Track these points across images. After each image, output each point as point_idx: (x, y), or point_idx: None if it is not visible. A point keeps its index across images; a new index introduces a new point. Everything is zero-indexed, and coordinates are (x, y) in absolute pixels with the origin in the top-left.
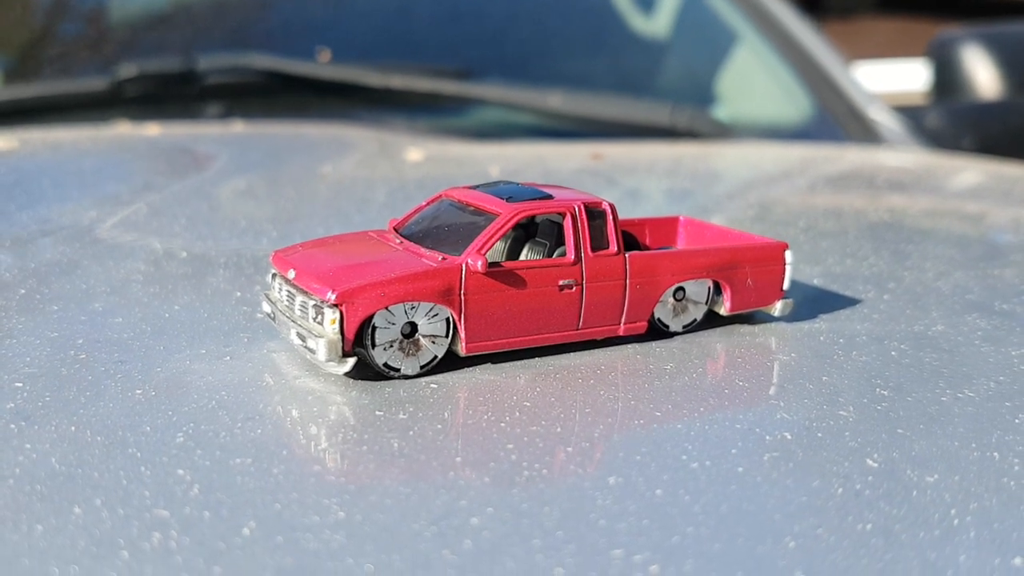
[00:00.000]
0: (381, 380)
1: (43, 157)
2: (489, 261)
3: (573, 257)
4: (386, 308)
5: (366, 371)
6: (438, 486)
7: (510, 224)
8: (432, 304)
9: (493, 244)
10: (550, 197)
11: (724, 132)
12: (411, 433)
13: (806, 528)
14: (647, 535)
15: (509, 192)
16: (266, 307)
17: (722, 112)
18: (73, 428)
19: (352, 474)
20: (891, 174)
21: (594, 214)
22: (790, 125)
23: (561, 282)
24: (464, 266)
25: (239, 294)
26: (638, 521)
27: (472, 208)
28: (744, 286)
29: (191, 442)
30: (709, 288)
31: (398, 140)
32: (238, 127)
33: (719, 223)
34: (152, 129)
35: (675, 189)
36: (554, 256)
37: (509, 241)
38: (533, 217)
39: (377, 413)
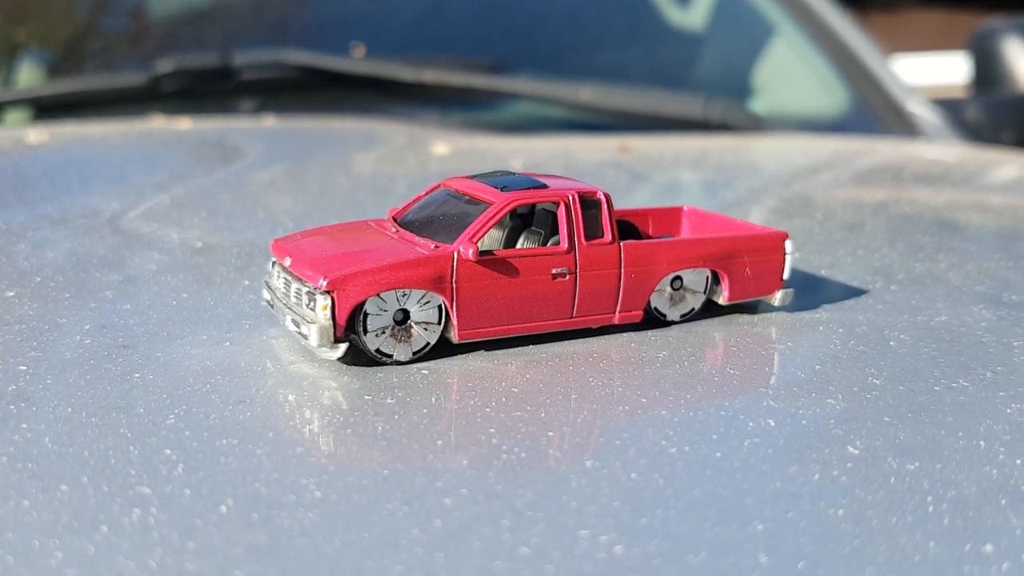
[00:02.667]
0: (374, 366)
1: (72, 150)
2: (482, 249)
3: (567, 245)
4: (378, 295)
5: (361, 357)
6: (416, 468)
7: (503, 212)
8: (424, 291)
9: (485, 232)
10: (545, 187)
11: (758, 125)
12: (396, 417)
13: (776, 512)
14: (616, 517)
15: (504, 182)
16: (266, 294)
17: (759, 105)
18: (70, 409)
19: (333, 456)
20: (921, 167)
21: (589, 203)
22: (827, 118)
23: (554, 270)
24: (456, 254)
25: (247, 283)
26: (609, 503)
27: (468, 197)
28: (743, 275)
29: (181, 423)
30: (707, 277)
31: (427, 134)
32: (269, 121)
33: (737, 214)
34: (183, 123)
35: (698, 181)
36: (549, 245)
37: (506, 230)
38: (533, 206)
39: (366, 397)
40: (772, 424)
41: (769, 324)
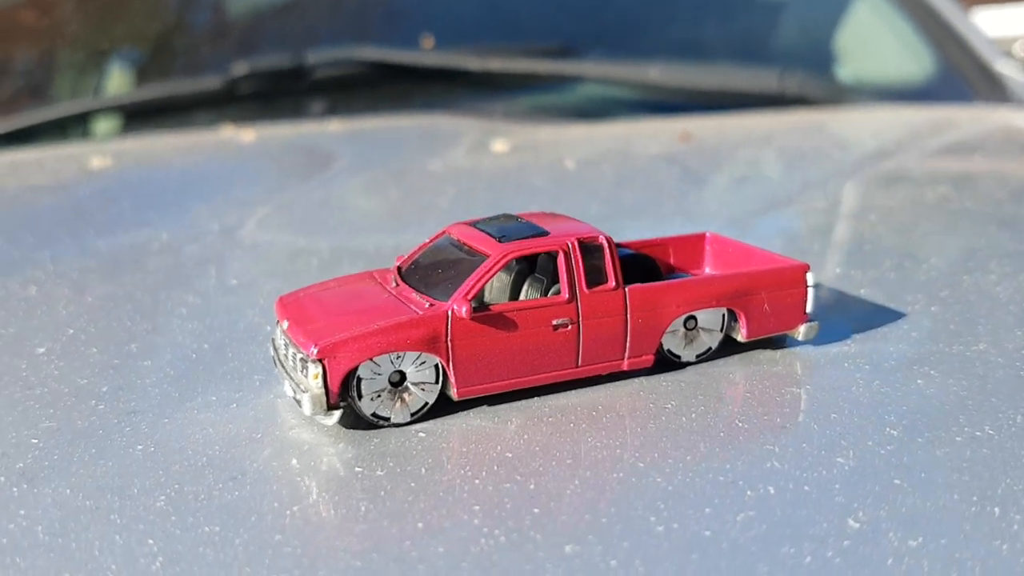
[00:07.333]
0: (374, 429)
1: (131, 176)
2: (479, 303)
3: (567, 295)
4: (371, 359)
5: (362, 419)
6: (389, 559)
7: (499, 266)
8: (419, 352)
9: (479, 288)
10: (545, 234)
11: (838, 96)
12: (383, 494)
13: None
14: None
15: (503, 231)
16: (272, 352)
17: (841, 73)
18: (68, 491)
19: (309, 544)
20: (999, 143)
21: (590, 248)
22: (913, 84)
23: (555, 321)
24: (450, 313)
25: (269, 328)
26: None
27: (467, 248)
28: (761, 312)
29: (170, 507)
30: (723, 315)
31: (488, 127)
32: (334, 126)
33: (784, 219)
34: (247, 135)
35: (749, 178)
36: (551, 292)
37: (513, 274)
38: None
39: (356, 469)
40: (771, 492)
41: (792, 361)
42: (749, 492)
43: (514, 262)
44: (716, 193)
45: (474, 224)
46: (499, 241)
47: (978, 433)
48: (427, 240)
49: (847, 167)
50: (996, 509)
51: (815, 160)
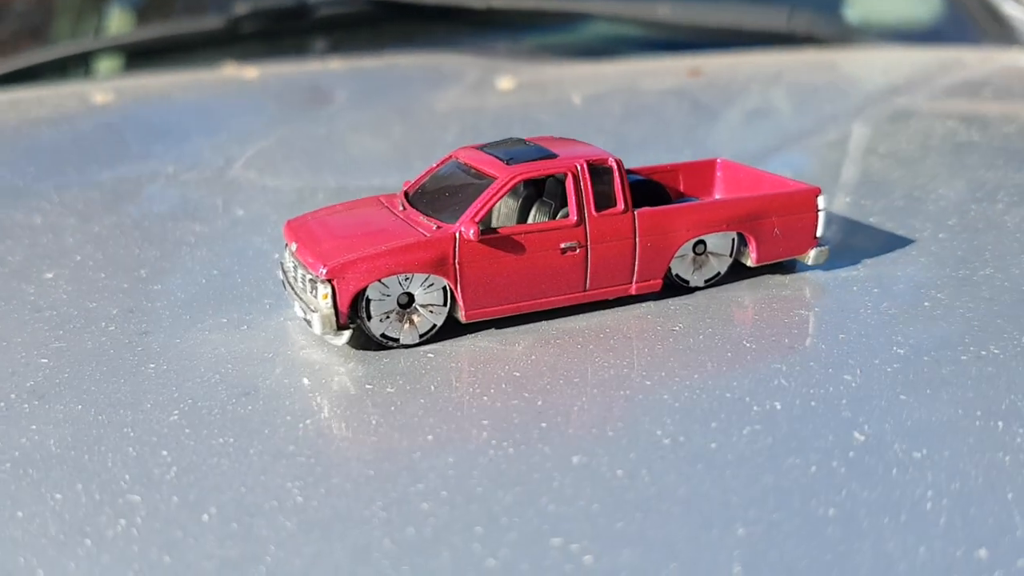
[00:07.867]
0: (383, 349)
1: (133, 110)
2: (487, 226)
3: (576, 218)
4: (379, 280)
5: (372, 340)
6: (401, 468)
7: (506, 188)
8: (427, 274)
9: (487, 210)
10: (554, 156)
11: (847, 36)
12: (393, 409)
13: (763, 513)
14: (592, 521)
15: (511, 153)
16: (280, 275)
17: (850, 13)
18: (80, 407)
19: (323, 454)
20: (1006, 82)
21: (599, 171)
22: (921, 25)
23: (563, 245)
24: (457, 235)
25: (277, 256)
26: (588, 506)
27: (475, 171)
28: (771, 236)
29: (183, 420)
30: (733, 240)
31: (493, 66)
32: (335, 64)
33: (795, 152)
34: (250, 72)
35: (760, 112)
36: (559, 216)
37: (520, 199)
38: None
39: (367, 387)
40: (778, 407)
41: (801, 285)
42: (755, 408)
43: (522, 186)
44: (727, 127)
45: (481, 148)
46: (506, 164)
47: (983, 353)
48: (434, 165)
49: (858, 104)
50: (1000, 423)
51: (826, 96)
